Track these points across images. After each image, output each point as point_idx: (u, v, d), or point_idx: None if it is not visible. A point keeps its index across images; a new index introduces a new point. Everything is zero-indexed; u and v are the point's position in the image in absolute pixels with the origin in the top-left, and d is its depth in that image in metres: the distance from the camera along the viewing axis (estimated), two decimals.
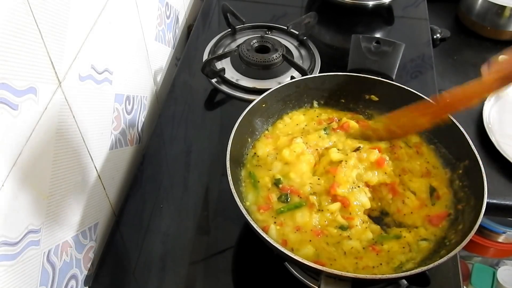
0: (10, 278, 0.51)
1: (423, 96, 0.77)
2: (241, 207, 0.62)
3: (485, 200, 0.64)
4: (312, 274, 0.68)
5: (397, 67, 1.01)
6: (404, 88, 0.79)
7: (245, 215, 0.61)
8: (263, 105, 0.80)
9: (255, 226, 0.60)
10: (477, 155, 0.68)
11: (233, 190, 0.63)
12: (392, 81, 0.83)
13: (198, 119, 0.98)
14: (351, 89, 0.84)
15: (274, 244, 0.59)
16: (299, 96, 0.84)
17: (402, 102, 0.80)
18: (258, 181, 0.73)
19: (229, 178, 0.65)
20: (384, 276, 0.57)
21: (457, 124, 0.73)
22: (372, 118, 0.85)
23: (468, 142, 0.71)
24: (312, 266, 0.56)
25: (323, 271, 0.56)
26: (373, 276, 0.57)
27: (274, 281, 0.72)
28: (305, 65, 1.05)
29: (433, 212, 0.71)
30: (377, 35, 1.22)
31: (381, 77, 0.82)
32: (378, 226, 0.70)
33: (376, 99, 0.84)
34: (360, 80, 0.83)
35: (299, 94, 0.84)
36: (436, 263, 0.57)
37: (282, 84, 0.82)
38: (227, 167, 0.66)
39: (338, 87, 0.85)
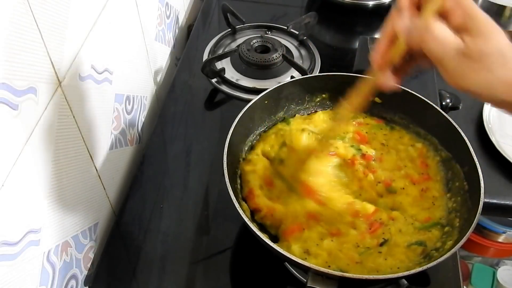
0: (10, 278, 0.51)
1: (426, 100, 0.77)
2: (238, 208, 0.62)
3: (482, 199, 0.64)
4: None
5: None
6: (408, 92, 0.79)
7: (242, 216, 0.61)
8: (265, 102, 0.80)
9: (252, 226, 0.60)
10: (477, 162, 0.68)
11: (230, 190, 0.63)
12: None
13: (198, 119, 0.98)
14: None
15: (270, 244, 0.59)
16: (303, 95, 0.85)
17: (405, 105, 0.81)
18: None
19: (226, 177, 0.65)
20: (371, 277, 0.57)
21: (458, 129, 0.73)
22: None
23: (469, 148, 0.70)
24: (301, 263, 0.57)
25: (311, 268, 0.57)
26: (360, 276, 0.57)
27: (274, 281, 0.72)
28: (305, 65, 1.05)
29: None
30: (377, 35, 1.22)
31: None
32: None
33: (380, 101, 0.84)
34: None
35: (302, 92, 0.84)
36: (435, 262, 0.57)
37: (285, 82, 0.82)
38: (224, 166, 0.66)
39: (343, 87, 0.84)
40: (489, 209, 0.91)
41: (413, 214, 0.70)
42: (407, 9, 0.48)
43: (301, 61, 1.08)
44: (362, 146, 0.79)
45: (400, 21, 0.48)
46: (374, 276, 0.58)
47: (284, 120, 0.84)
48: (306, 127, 0.81)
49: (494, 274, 1.45)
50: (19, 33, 0.49)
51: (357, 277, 0.57)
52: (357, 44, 1.05)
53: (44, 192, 0.58)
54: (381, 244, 0.66)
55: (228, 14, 1.12)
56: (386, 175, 0.75)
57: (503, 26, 1.24)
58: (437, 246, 0.65)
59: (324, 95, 0.86)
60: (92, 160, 0.72)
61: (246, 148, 0.79)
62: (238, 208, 0.62)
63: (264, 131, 0.82)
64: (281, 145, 0.78)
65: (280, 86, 0.80)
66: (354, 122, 0.84)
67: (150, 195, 0.84)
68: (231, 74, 1.04)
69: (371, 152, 0.78)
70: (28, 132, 0.53)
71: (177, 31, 1.18)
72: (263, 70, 1.05)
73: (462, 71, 0.45)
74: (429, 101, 0.77)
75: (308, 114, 0.86)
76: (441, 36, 0.46)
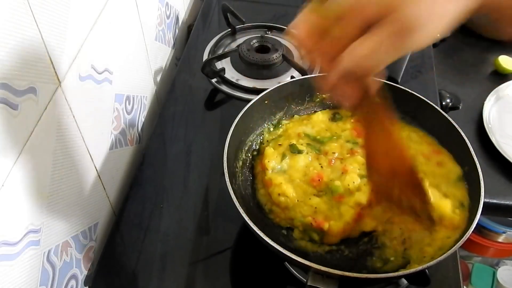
0: (10, 278, 0.51)
1: (426, 100, 0.77)
2: (239, 207, 0.62)
3: (482, 201, 0.64)
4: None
5: (403, 70, 1.01)
6: (408, 91, 0.80)
7: (243, 215, 0.61)
8: (265, 102, 0.80)
9: (253, 226, 0.60)
10: (477, 162, 0.68)
11: (230, 190, 0.63)
12: (397, 83, 0.83)
13: (198, 119, 0.98)
14: None
15: (270, 243, 0.59)
16: (303, 95, 0.85)
17: (405, 104, 0.81)
18: None
19: (226, 177, 0.65)
20: (371, 276, 0.57)
21: (458, 129, 0.73)
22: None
23: (469, 148, 0.70)
24: (301, 262, 0.57)
25: (311, 267, 0.57)
26: (361, 275, 0.57)
27: (275, 281, 0.72)
28: (305, 65, 1.05)
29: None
30: None
31: (387, 80, 0.83)
32: None
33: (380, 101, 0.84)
34: None
35: (303, 93, 0.84)
36: (435, 261, 0.57)
37: (285, 82, 0.82)
38: (224, 166, 0.66)
39: None
40: (489, 209, 0.91)
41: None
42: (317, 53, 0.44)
43: (301, 61, 1.08)
44: (359, 140, 0.79)
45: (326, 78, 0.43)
46: (374, 275, 0.58)
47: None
48: (303, 130, 0.81)
49: (494, 274, 1.45)
50: (19, 33, 0.49)
51: (357, 276, 0.57)
52: None
53: (44, 192, 0.58)
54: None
55: (228, 14, 1.12)
56: None
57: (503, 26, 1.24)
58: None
59: (324, 95, 0.86)
60: (92, 160, 0.72)
61: (246, 148, 0.79)
62: (238, 208, 0.62)
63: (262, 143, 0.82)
64: (282, 156, 0.77)
65: (280, 86, 0.80)
66: (351, 120, 0.84)
67: (150, 195, 0.84)
68: (231, 74, 1.04)
69: None
70: (28, 132, 0.53)
71: (177, 31, 1.18)
72: (263, 70, 1.05)
73: (405, 42, 0.41)
74: (429, 101, 0.77)
75: (308, 114, 0.86)
76: (369, 48, 0.41)
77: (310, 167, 0.75)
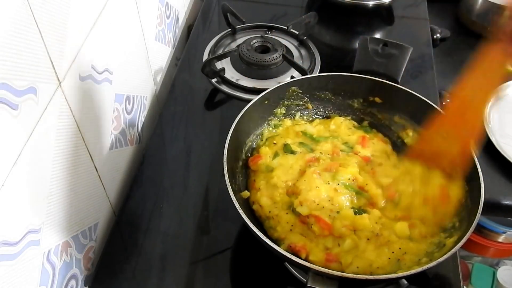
0: (10, 278, 0.51)
1: (426, 100, 0.77)
2: (238, 207, 0.62)
3: (482, 201, 0.64)
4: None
5: (403, 70, 1.01)
6: (408, 91, 0.80)
7: (242, 216, 0.61)
8: (265, 102, 0.80)
9: (252, 227, 0.60)
10: (477, 162, 0.68)
11: (230, 190, 0.63)
12: (397, 83, 0.83)
13: (198, 119, 0.98)
14: (355, 90, 0.85)
15: (270, 244, 0.59)
16: (303, 95, 0.85)
17: (405, 104, 0.81)
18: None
19: (226, 177, 0.65)
20: (371, 277, 0.57)
21: None
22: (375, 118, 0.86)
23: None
24: (301, 263, 0.57)
25: (311, 269, 0.57)
26: (361, 276, 0.57)
27: (274, 281, 0.72)
28: (305, 65, 1.05)
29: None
30: (377, 35, 1.22)
31: (387, 80, 0.83)
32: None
33: (380, 101, 0.84)
34: (365, 81, 0.83)
35: (302, 93, 0.84)
36: (435, 262, 0.57)
37: (285, 82, 0.82)
38: (224, 166, 0.66)
39: (343, 87, 0.85)
40: (489, 209, 0.91)
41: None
42: None
43: (301, 61, 1.08)
44: (357, 146, 0.78)
45: None
46: (374, 276, 0.58)
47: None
48: (304, 128, 0.81)
49: (494, 274, 1.45)
50: (19, 33, 0.49)
51: (357, 277, 0.57)
52: (357, 44, 1.04)
53: (44, 192, 0.58)
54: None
55: (228, 14, 1.12)
56: (388, 183, 0.72)
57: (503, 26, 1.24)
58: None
59: (324, 95, 0.86)
60: (92, 160, 0.72)
61: (246, 148, 0.79)
62: (238, 208, 0.62)
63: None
64: (274, 155, 0.77)
65: (280, 86, 0.80)
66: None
67: (150, 195, 0.84)
68: (231, 74, 1.04)
69: (365, 152, 0.77)
70: (28, 132, 0.53)
71: (177, 31, 1.18)
72: (263, 70, 1.05)
73: None
74: (429, 101, 0.77)
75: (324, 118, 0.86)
76: None
77: (295, 169, 0.74)
